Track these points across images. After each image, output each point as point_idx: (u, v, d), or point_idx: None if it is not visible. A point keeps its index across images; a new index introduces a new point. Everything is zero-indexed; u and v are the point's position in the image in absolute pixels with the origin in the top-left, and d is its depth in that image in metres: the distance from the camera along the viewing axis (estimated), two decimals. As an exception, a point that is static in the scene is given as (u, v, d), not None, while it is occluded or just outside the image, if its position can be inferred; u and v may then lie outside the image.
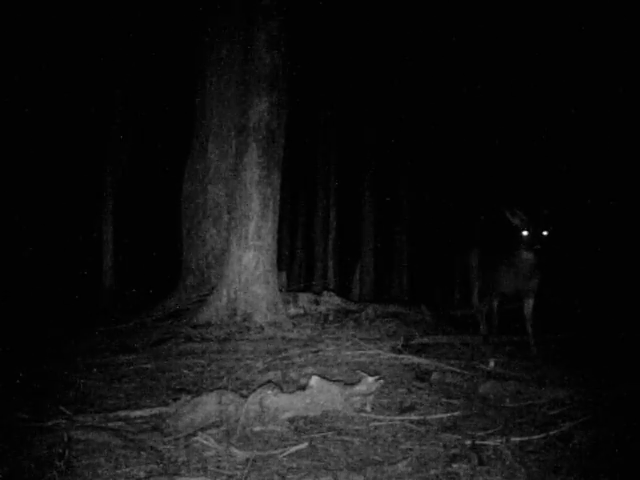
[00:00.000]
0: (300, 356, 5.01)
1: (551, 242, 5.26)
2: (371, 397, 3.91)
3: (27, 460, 3.05)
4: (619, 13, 8.65)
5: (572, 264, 5.92)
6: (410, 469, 3.01)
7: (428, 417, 3.75)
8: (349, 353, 5.10)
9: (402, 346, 5.50)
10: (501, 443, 3.28)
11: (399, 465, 3.04)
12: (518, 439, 3.36)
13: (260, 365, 4.76)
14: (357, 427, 3.60)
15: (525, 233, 5.26)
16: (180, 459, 3.14)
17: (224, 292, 6.17)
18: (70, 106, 9.56)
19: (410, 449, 3.29)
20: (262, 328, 5.84)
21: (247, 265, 6.13)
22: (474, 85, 11.23)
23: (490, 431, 3.52)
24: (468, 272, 6.59)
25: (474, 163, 12.22)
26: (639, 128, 9.12)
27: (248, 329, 5.82)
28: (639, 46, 8.74)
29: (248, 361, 4.87)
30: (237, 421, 3.53)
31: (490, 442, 3.31)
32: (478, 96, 11.37)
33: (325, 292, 7.48)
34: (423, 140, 12.67)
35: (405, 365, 4.91)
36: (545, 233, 5.23)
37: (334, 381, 4.00)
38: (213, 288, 6.53)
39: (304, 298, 7.07)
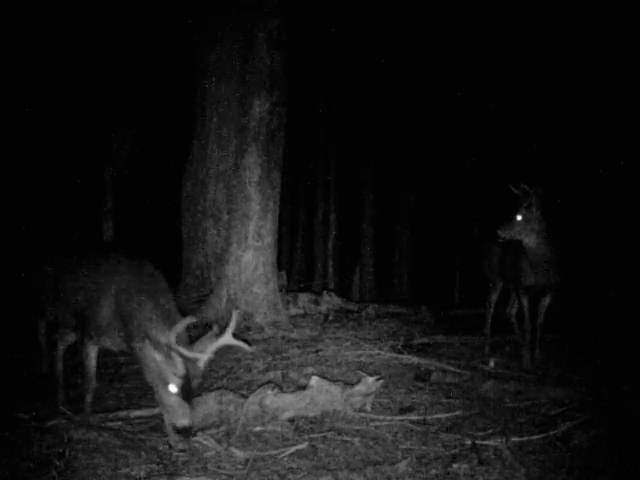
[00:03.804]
0: (300, 356, 5.01)
1: (557, 233, 4.82)
2: (371, 397, 3.91)
3: (27, 460, 3.05)
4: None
5: (572, 261, 5.71)
6: (410, 469, 3.02)
7: (428, 417, 3.75)
8: (349, 353, 5.10)
9: (402, 346, 5.49)
10: (501, 443, 3.28)
11: (399, 465, 3.04)
12: (518, 439, 3.36)
13: (260, 365, 4.76)
14: (357, 427, 3.60)
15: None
16: (180, 459, 3.15)
17: (224, 292, 6.17)
18: (71, 106, 9.56)
19: (410, 449, 3.29)
20: (262, 328, 5.84)
21: (247, 265, 6.13)
22: (474, 81, 11.22)
23: (490, 431, 3.52)
24: (487, 268, 5.66)
25: (475, 160, 12.20)
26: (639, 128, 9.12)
27: (248, 329, 5.82)
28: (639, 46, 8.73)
29: (248, 361, 4.87)
30: (237, 421, 3.53)
31: (490, 442, 3.31)
32: (478, 93, 11.36)
33: (325, 292, 7.48)
34: (423, 139, 12.67)
35: (405, 365, 4.91)
36: (519, 218, 4.69)
37: (334, 381, 4.00)
38: (213, 288, 6.53)
39: (304, 298, 7.07)
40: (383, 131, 12.66)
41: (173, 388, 3.00)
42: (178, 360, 2.95)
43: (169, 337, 2.95)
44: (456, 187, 13.20)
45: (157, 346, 3.02)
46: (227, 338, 3.10)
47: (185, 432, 3.07)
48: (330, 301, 7.21)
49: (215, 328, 3.17)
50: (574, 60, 9.70)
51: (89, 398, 3.55)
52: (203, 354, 3.04)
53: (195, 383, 3.05)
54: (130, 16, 8.97)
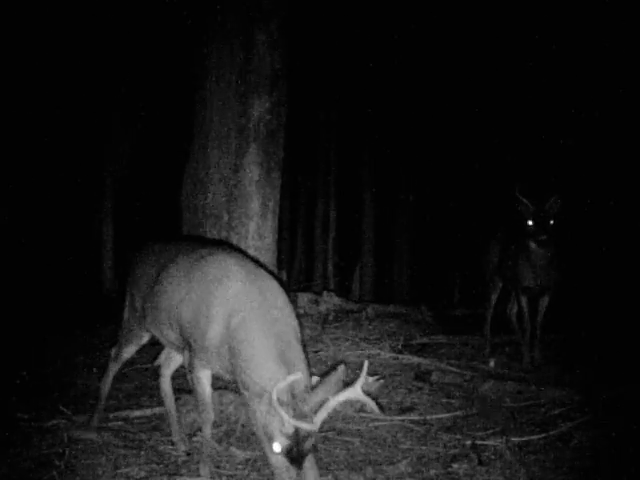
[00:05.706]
0: (300, 356, 5.00)
1: (559, 233, 4.88)
2: (371, 397, 3.90)
3: (27, 460, 3.05)
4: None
5: (572, 262, 5.75)
6: (410, 469, 3.02)
7: (428, 417, 3.76)
8: (349, 353, 5.09)
9: (402, 346, 5.49)
10: (501, 443, 3.28)
11: (399, 465, 3.05)
12: (518, 439, 3.36)
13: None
14: (357, 427, 3.60)
15: (530, 223, 4.83)
16: (180, 459, 3.15)
17: (224, 292, 6.16)
18: (70, 106, 9.56)
19: (410, 449, 3.29)
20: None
21: (247, 265, 6.13)
22: (476, 80, 11.20)
23: (490, 431, 3.52)
24: (486, 268, 5.77)
25: (476, 160, 12.18)
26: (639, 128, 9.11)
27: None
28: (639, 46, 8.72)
29: (248, 361, 4.85)
30: (237, 421, 3.53)
31: (490, 442, 3.31)
32: (480, 92, 11.35)
33: (325, 292, 7.47)
34: (424, 138, 12.66)
35: (405, 365, 4.91)
36: (552, 222, 4.80)
37: (334, 381, 3.99)
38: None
39: (304, 298, 7.06)
40: (383, 131, 12.66)
41: (277, 447, 2.43)
42: (286, 417, 2.36)
43: (272, 394, 2.36)
44: (456, 187, 13.20)
45: (262, 395, 2.46)
46: (355, 392, 2.49)
47: None
48: (330, 301, 7.20)
49: (342, 369, 2.54)
50: (578, 59, 9.69)
51: (208, 430, 2.91)
52: (316, 412, 2.41)
53: (308, 444, 2.43)
54: (130, 16, 8.97)
